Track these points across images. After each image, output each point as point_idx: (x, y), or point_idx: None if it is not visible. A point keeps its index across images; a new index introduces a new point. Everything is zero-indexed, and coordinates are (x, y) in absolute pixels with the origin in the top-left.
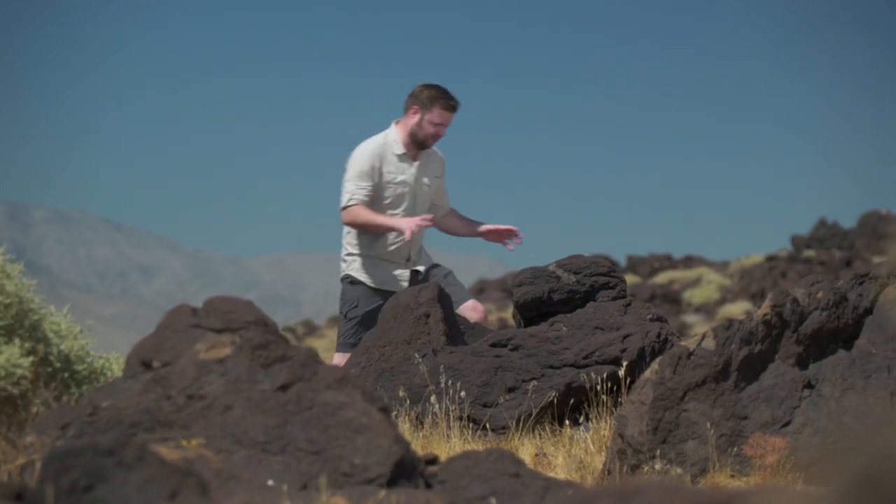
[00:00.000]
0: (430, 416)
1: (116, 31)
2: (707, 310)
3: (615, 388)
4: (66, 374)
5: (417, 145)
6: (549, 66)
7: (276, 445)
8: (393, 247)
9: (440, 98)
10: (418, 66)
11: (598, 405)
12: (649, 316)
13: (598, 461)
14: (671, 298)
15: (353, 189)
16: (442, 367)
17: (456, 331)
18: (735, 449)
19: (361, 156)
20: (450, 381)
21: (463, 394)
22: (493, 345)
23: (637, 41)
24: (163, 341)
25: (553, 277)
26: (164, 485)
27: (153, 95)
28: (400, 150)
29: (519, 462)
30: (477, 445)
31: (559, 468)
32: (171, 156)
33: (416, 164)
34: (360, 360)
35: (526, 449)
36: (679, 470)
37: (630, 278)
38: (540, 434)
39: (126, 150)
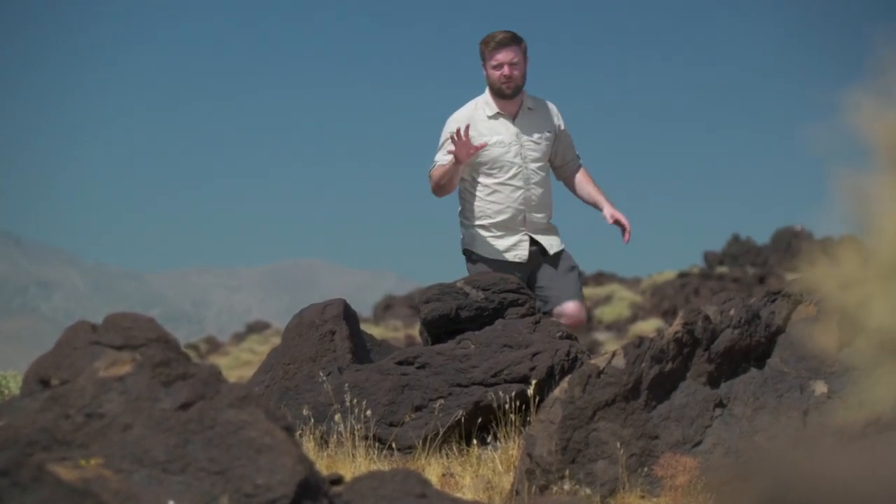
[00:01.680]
0: (335, 436)
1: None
2: (618, 327)
3: (524, 406)
4: None
5: (505, 98)
6: None
7: (176, 465)
8: (501, 215)
9: (488, 41)
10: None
11: (506, 424)
12: (559, 334)
13: (507, 481)
14: None
15: (436, 159)
16: (347, 385)
17: (362, 348)
18: (645, 469)
19: (447, 125)
20: (355, 400)
21: (369, 412)
22: (400, 363)
23: (548, 58)
24: (61, 359)
25: (461, 294)
26: None
27: (51, 104)
28: (492, 110)
29: (425, 482)
30: (383, 465)
31: (466, 489)
32: (70, 167)
33: (514, 121)
34: (263, 379)
35: (433, 469)
36: (588, 490)
37: None
38: (447, 454)
39: (22, 161)
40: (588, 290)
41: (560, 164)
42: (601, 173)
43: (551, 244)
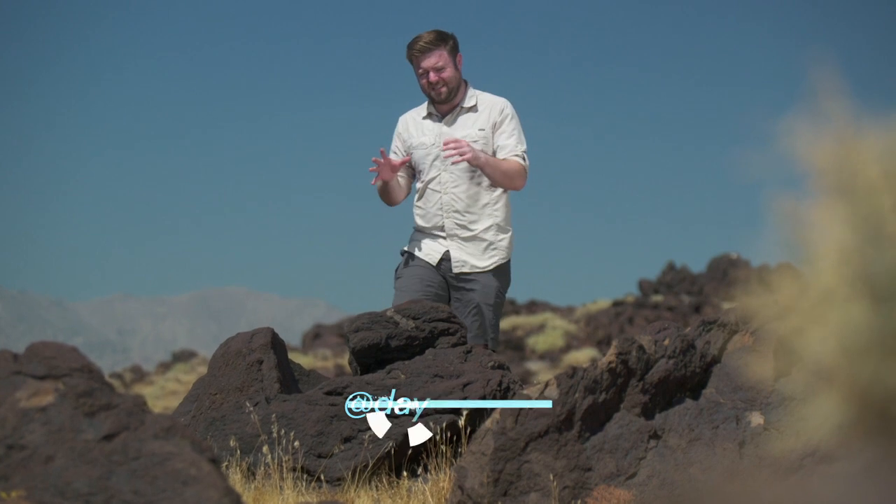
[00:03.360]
0: (262, 467)
1: None
2: (552, 357)
3: (455, 438)
4: None
5: (439, 102)
6: None
7: (100, 497)
8: (423, 220)
9: (410, 47)
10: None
11: (437, 456)
12: (490, 363)
13: None
14: (514, 345)
15: None
16: (275, 415)
17: (290, 378)
18: (579, 501)
19: (398, 124)
20: (283, 431)
21: (297, 444)
22: (329, 393)
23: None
24: None
25: (391, 323)
26: None
27: None
28: (426, 111)
29: None
30: (311, 497)
31: None
32: None
33: (442, 121)
34: (189, 409)
35: (362, 501)
36: None
37: None
38: (377, 486)
39: None
40: (521, 319)
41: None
42: (535, 197)
43: (462, 263)
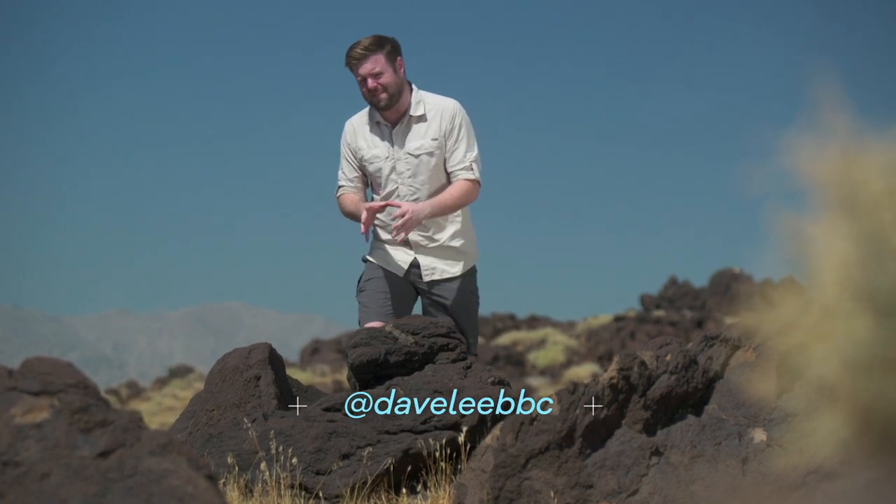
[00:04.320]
0: (259, 484)
1: None
2: (553, 372)
3: (455, 454)
4: None
5: (381, 109)
6: None
7: None
8: (384, 232)
9: (347, 55)
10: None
11: (436, 473)
12: (491, 379)
13: None
14: (515, 360)
15: (338, 177)
16: (273, 432)
17: (288, 394)
18: None
19: (344, 131)
20: (281, 447)
21: (295, 460)
22: (327, 409)
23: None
24: None
25: (390, 338)
26: None
27: None
28: (374, 119)
29: None
30: None
31: None
32: None
33: (392, 131)
34: (186, 425)
35: None
36: None
37: None
38: (375, 503)
39: None
40: (521, 335)
41: (448, 175)
42: (535, 210)
43: (432, 270)
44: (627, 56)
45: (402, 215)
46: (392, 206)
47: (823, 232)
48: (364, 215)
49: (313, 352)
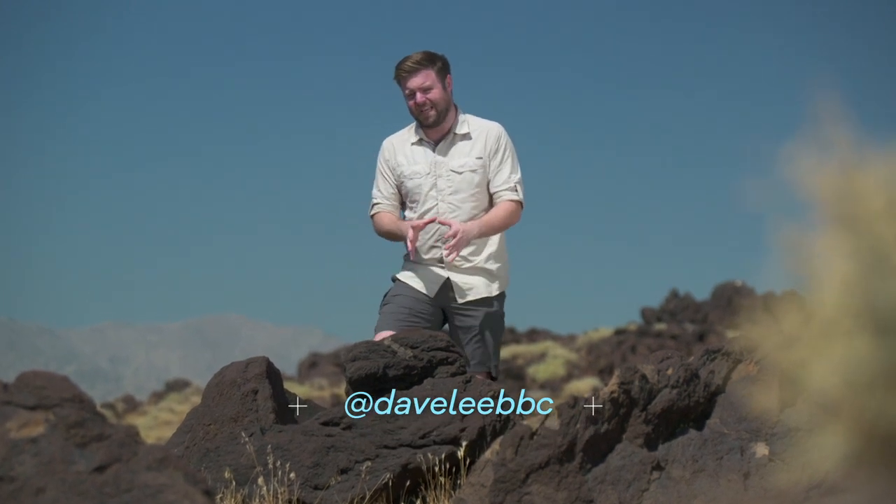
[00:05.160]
0: (257, 499)
1: None
2: (553, 386)
3: (454, 469)
4: None
5: (428, 127)
6: None
7: None
8: (419, 249)
9: (397, 68)
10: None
11: (435, 487)
12: (490, 393)
13: None
14: (515, 374)
15: (372, 195)
16: (270, 446)
17: (286, 408)
18: None
19: (381, 149)
20: (278, 462)
21: (292, 475)
22: (325, 423)
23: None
24: None
25: (389, 352)
26: None
27: None
28: (415, 137)
29: None
30: None
31: None
32: None
33: (435, 148)
34: (182, 440)
35: None
36: None
37: None
38: None
39: None
40: (521, 348)
41: (491, 196)
42: (535, 222)
43: (468, 289)
44: (628, 68)
45: (454, 235)
46: (442, 224)
47: (824, 247)
48: (411, 233)
49: (311, 365)
